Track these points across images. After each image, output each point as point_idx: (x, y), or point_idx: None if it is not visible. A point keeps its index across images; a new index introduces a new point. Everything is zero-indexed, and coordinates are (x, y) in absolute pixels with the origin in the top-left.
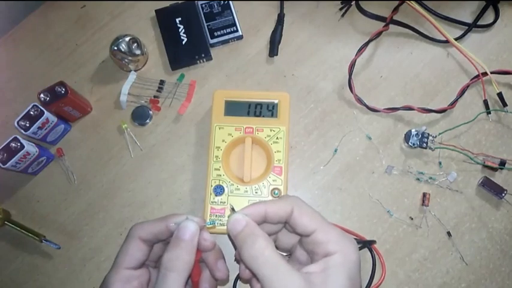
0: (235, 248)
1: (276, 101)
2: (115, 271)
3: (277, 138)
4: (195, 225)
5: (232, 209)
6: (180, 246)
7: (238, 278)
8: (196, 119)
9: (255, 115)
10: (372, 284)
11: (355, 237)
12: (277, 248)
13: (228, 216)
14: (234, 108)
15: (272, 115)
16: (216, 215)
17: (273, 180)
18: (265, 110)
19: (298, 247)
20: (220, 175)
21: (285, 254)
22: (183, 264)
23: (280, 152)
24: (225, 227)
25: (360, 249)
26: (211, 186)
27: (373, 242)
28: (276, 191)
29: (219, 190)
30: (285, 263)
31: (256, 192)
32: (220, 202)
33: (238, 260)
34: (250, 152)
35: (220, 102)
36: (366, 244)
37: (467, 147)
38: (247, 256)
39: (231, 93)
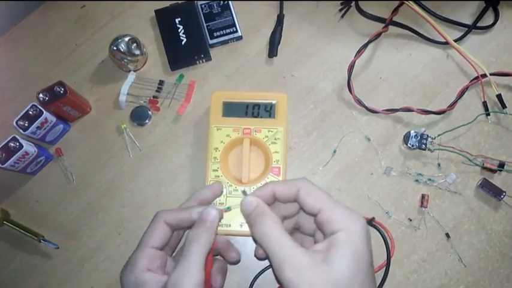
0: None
1: (274, 102)
2: (141, 249)
3: (275, 139)
4: (216, 210)
5: (244, 192)
6: (203, 226)
7: (255, 278)
8: (195, 119)
9: (253, 116)
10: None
11: None
12: (302, 232)
13: (242, 200)
14: (232, 109)
15: (270, 116)
16: None
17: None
18: (263, 110)
19: (317, 230)
20: (219, 176)
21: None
22: (205, 238)
23: (278, 152)
24: (227, 229)
25: None
26: None
27: (373, 218)
28: None
29: None
30: (290, 240)
31: None
32: (219, 203)
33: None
34: (248, 153)
35: (218, 103)
36: (369, 223)
37: (466, 148)
38: (257, 233)
39: (229, 94)
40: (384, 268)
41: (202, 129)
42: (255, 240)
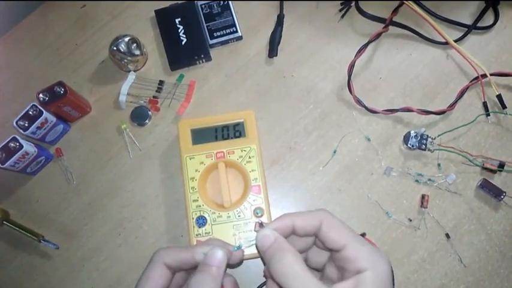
0: (264, 264)
1: (241, 120)
2: None
3: (249, 157)
4: (222, 253)
5: (261, 224)
6: (207, 272)
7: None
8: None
9: (223, 138)
10: None
11: None
12: (308, 266)
13: (257, 232)
14: (201, 136)
15: (240, 135)
16: None
17: (254, 200)
18: (232, 131)
19: (328, 264)
20: (200, 205)
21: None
22: (209, 286)
23: (255, 170)
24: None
25: None
26: (193, 218)
27: (363, 234)
28: (259, 210)
29: (201, 221)
30: (314, 278)
31: (239, 216)
32: (205, 233)
33: (267, 275)
34: (225, 176)
35: (186, 132)
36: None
37: (466, 149)
38: (276, 271)
39: (195, 121)
40: None
41: None
42: (265, 276)
